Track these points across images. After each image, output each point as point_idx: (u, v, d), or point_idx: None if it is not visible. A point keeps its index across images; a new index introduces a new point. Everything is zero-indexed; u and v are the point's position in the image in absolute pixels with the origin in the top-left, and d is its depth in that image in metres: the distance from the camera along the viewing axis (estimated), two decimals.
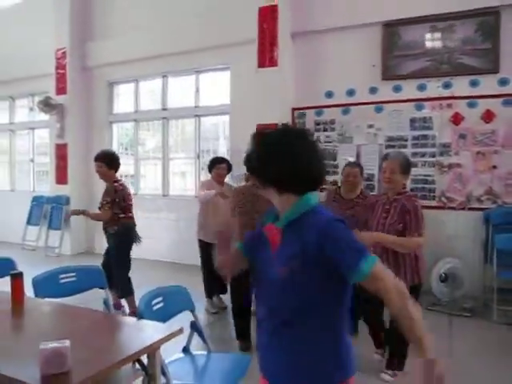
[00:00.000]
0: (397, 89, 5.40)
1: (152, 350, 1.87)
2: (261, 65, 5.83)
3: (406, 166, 2.89)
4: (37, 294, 2.51)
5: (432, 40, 5.22)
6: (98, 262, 3.84)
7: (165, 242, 7.08)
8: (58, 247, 7.69)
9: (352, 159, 5.67)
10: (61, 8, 7.64)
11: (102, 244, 7.70)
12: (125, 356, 1.73)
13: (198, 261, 4.83)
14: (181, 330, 1.95)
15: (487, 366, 3.36)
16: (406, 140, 5.33)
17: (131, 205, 4.51)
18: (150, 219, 7.25)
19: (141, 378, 1.99)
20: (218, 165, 4.74)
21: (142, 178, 7.84)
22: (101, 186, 7.99)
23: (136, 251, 7.86)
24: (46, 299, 2.52)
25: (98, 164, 4.41)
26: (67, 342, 1.57)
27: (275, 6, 5.65)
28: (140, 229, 7.79)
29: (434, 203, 5.20)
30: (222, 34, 6.25)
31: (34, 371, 1.51)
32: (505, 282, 4.55)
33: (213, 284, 4.71)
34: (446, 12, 5.05)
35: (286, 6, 5.72)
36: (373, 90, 5.53)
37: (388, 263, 2.72)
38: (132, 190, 7.67)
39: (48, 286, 2.62)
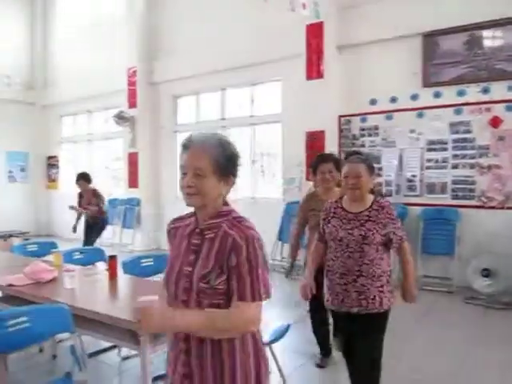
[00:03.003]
0: (437, 95, 5.73)
1: None
2: (309, 77, 6.39)
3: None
4: (125, 272, 3.24)
5: (470, 48, 5.50)
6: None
7: None
8: (130, 244, 8.65)
9: (395, 162, 6.07)
10: (131, 32, 8.69)
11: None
12: None
13: None
14: None
15: None
16: (446, 143, 5.65)
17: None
18: None
19: None
20: None
21: None
22: (165, 189, 8.81)
23: None
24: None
25: (80, 183, 6.25)
26: (156, 297, 2.23)
27: (321, 22, 6.18)
28: None
29: (474, 202, 5.48)
30: (273, 49, 6.86)
31: (129, 315, 2.21)
32: None
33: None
34: (483, 21, 5.33)
35: (331, 22, 6.22)
36: (414, 97, 5.89)
37: (200, 371, 1.38)
38: None
39: (133, 266, 3.35)
